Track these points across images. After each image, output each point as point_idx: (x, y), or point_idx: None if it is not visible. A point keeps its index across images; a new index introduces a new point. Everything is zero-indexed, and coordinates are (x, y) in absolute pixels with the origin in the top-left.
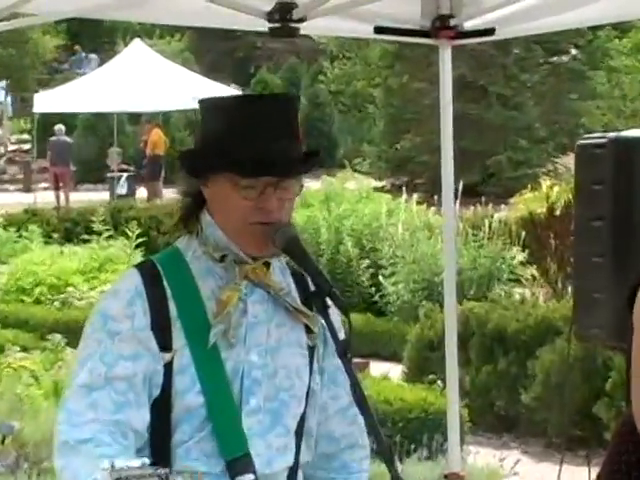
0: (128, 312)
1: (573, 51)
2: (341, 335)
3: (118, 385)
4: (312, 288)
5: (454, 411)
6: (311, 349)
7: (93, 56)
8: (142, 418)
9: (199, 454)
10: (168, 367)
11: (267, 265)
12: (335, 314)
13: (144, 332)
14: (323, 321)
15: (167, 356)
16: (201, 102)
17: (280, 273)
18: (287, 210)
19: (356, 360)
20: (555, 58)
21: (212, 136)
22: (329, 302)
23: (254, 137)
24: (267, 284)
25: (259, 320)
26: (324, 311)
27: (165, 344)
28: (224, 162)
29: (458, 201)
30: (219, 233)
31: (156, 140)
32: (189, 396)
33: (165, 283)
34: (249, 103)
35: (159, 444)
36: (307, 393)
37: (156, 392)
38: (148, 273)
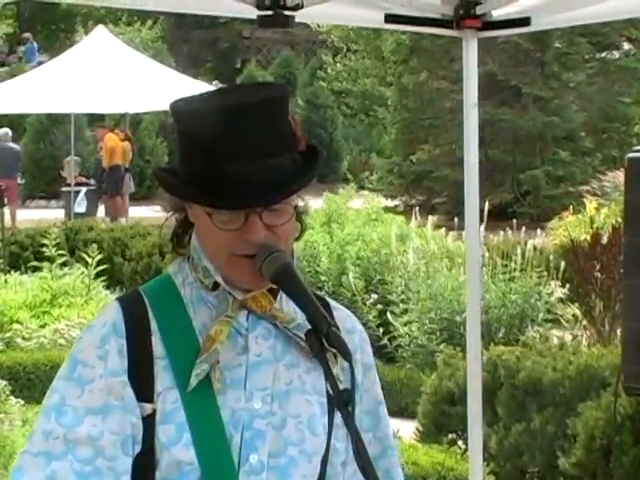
0: (100, 352)
1: (625, 45)
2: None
3: (81, 451)
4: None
5: (478, 478)
6: (331, 397)
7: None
8: None
9: None
10: (149, 419)
11: (273, 292)
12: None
13: (117, 377)
14: (345, 364)
15: (148, 407)
16: (173, 105)
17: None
18: (282, 236)
19: None
20: (604, 54)
21: (182, 153)
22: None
23: (228, 156)
24: (273, 315)
25: (263, 359)
26: (322, 353)
27: (145, 393)
28: (193, 192)
29: (484, 225)
30: (205, 261)
31: (112, 146)
32: (176, 449)
33: (151, 315)
34: (221, 105)
35: None
36: (326, 451)
37: (137, 448)
38: (130, 305)
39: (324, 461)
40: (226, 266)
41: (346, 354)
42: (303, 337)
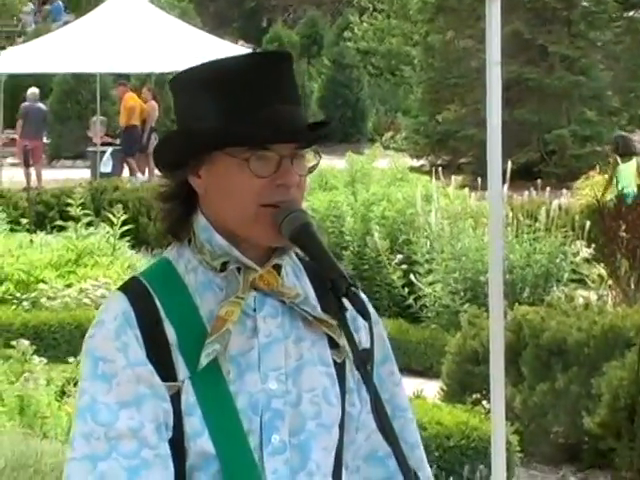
0: (118, 345)
1: None
2: (366, 345)
3: (125, 446)
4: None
5: (500, 437)
6: (339, 366)
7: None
8: (165, 478)
9: None
10: (176, 403)
11: (278, 269)
12: (357, 318)
13: (142, 366)
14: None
15: (173, 386)
16: (178, 76)
17: (294, 276)
18: (303, 190)
19: None
20: (631, 13)
21: (203, 108)
22: (347, 304)
23: (259, 100)
24: (280, 292)
25: (274, 338)
26: (340, 314)
27: (168, 375)
28: (227, 134)
29: (506, 184)
30: (217, 237)
31: (130, 107)
32: (201, 441)
33: (158, 303)
34: (245, 62)
35: None
36: (342, 420)
37: (169, 434)
38: (135, 294)
39: (341, 429)
40: (252, 220)
41: (365, 312)
42: (310, 311)
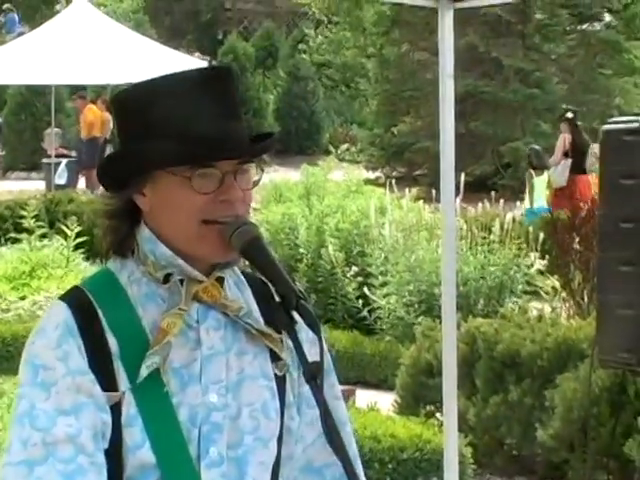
0: (59, 354)
1: (607, 17)
2: (316, 358)
3: (62, 451)
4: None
5: (453, 450)
6: (279, 379)
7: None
8: None
9: None
10: (116, 414)
11: (220, 282)
12: (306, 332)
13: (83, 375)
14: (290, 342)
15: (114, 396)
16: (119, 95)
17: (237, 289)
18: (248, 202)
19: (340, 387)
20: (585, 25)
21: (145, 126)
22: (297, 317)
23: (200, 118)
24: (223, 304)
25: (215, 351)
26: (290, 328)
27: (109, 385)
28: (168, 152)
29: (460, 196)
30: (161, 248)
31: (92, 119)
32: (140, 453)
33: (100, 313)
34: (186, 79)
35: None
36: (280, 434)
37: (105, 446)
38: (78, 303)
39: (279, 443)
40: (196, 237)
41: (315, 326)
42: (253, 324)
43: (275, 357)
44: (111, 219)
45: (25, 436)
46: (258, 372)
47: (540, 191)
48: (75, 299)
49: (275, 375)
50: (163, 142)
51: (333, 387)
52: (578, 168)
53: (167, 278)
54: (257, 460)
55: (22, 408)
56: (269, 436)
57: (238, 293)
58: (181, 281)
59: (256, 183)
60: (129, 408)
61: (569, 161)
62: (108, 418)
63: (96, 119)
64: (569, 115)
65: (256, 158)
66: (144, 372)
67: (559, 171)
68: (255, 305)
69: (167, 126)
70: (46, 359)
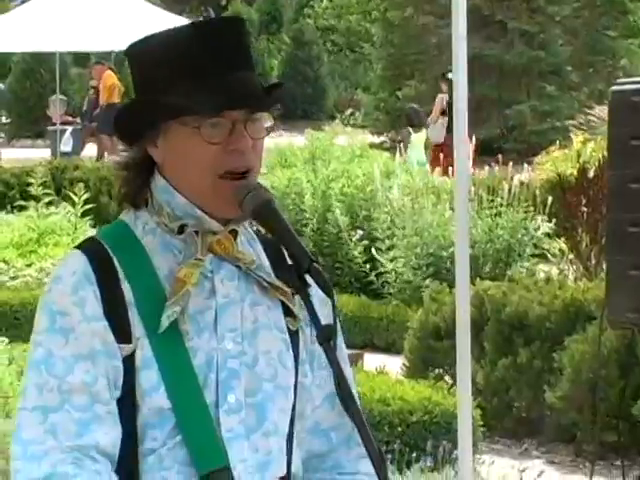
0: (75, 299)
1: None
2: (329, 321)
3: (78, 399)
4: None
5: (465, 413)
6: (293, 334)
7: None
8: (115, 434)
9: (172, 462)
10: (129, 362)
11: (234, 235)
12: (318, 294)
13: (98, 322)
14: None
15: (127, 348)
16: (131, 47)
17: (248, 244)
18: (259, 152)
19: (347, 351)
20: None
21: (155, 79)
22: (309, 280)
23: (210, 68)
24: (236, 257)
25: (230, 300)
26: (303, 290)
27: (123, 335)
28: (179, 103)
29: (471, 160)
30: (177, 198)
31: (110, 85)
32: (157, 396)
33: (116, 263)
34: (194, 31)
35: (124, 453)
36: (295, 386)
37: (117, 394)
38: (94, 253)
39: (295, 395)
40: (211, 192)
41: (327, 288)
42: (265, 277)
43: (288, 311)
44: (126, 171)
45: (41, 382)
46: (272, 323)
47: (418, 148)
48: (91, 248)
49: (288, 329)
50: (174, 92)
51: (341, 350)
52: None
53: (181, 229)
54: (277, 407)
55: (39, 354)
56: (287, 384)
57: (250, 249)
58: (196, 232)
59: (270, 131)
60: (145, 352)
61: (446, 119)
62: (120, 365)
63: (116, 85)
64: (448, 75)
65: (268, 107)
66: (165, 322)
67: (437, 129)
68: (267, 262)
69: (179, 76)
70: (63, 305)
